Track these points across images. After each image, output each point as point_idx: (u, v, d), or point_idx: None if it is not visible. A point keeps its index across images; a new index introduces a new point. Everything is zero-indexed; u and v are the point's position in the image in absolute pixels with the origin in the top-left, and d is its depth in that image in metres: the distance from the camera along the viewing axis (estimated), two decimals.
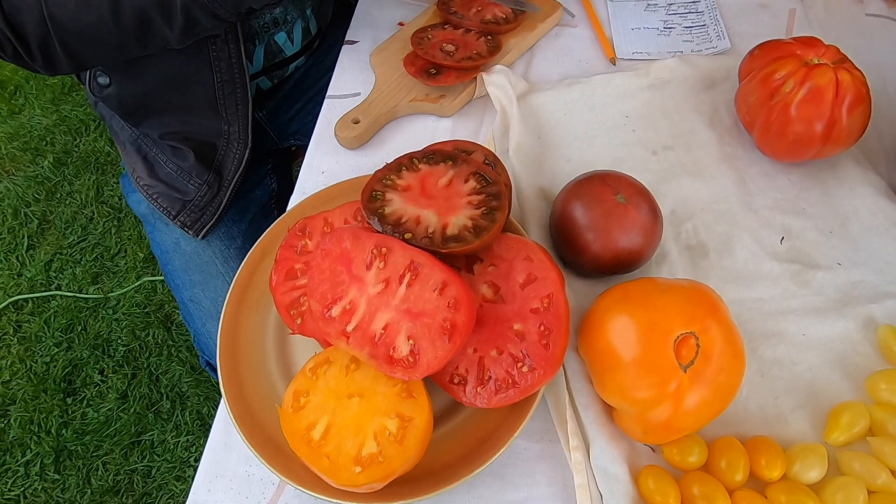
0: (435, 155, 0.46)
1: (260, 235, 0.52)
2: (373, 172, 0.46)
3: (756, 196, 0.56)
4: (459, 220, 0.42)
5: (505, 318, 0.42)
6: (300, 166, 0.62)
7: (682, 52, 0.66)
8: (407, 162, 0.46)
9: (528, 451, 0.46)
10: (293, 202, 0.59)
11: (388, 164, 0.46)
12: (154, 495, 1.24)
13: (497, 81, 0.62)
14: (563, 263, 0.53)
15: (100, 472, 1.27)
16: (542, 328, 0.41)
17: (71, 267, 1.55)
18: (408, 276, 0.39)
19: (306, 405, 0.41)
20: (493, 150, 0.58)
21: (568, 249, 0.50)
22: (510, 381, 0.41)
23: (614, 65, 0.67)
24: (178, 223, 0.73)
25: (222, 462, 0.47)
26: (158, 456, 1.28)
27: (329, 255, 0.41)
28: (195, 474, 0.46)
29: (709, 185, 0.57)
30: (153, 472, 1.27)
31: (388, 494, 0.40)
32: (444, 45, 0.63)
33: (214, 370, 0.74)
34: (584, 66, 0.67)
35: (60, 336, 1.44)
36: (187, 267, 0.75)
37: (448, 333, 0.38)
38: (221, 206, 0.73)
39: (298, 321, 0.45)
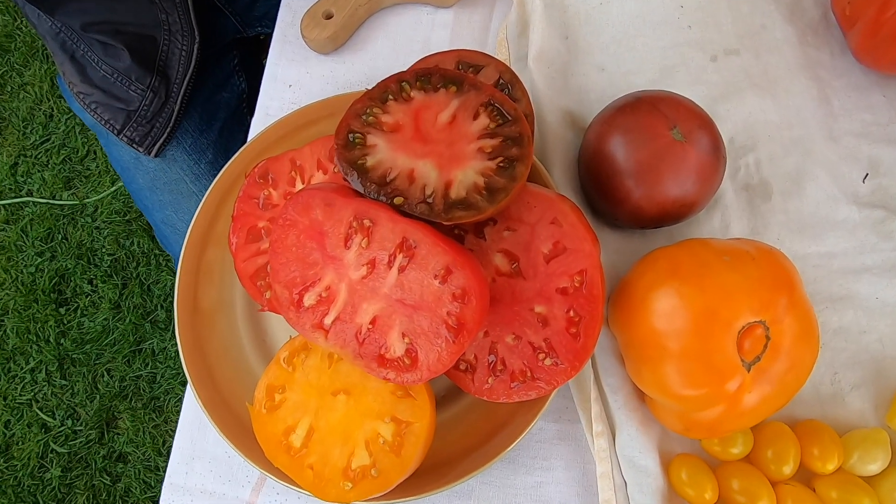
0: (432, 77, 0.34)
1: (232, 145, 0.41)
2: (354, 90, 0.34)
3: (840, 118, 0.44)
4: (467, 175, 0.31)
5: (524, 298, 0.34)
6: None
7: None
8: (395, 88, 0.34)
9: (544, 432, 0.41)
10: (255, 127, 0.48)
11: (368, 92, 0.34)
12: (162, 399, 1.26)
13: None
14: (591, 211, 0.43)
15: (105, 379, 1.28)
16: (571, 314, 0.33)
17: (39, 170, 1.45)
18: (399, 257, 0.30)
19: (282, 404, 0.34)
20: (507, 60, 0.45)
21: (601, 197, 0.40)
22: (528, 375, 0.33)
23: None
24: (126, 139, 0.61)
25: (198, 442, 0.42)
26: (161, 363, 1.29)
27: (294, 228, 0.31)
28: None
29: (781, 104, 0.45)
30: (158, 377, 1.28)
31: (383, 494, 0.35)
32: None
33: None
34: None
35: (41, 245, 1.39)
36: (153, 186, 0.65)
37: (453, 331, 0.30)
38: (174, 116, 0.61)
39: (268, 295, 0.37)
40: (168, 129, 0.61)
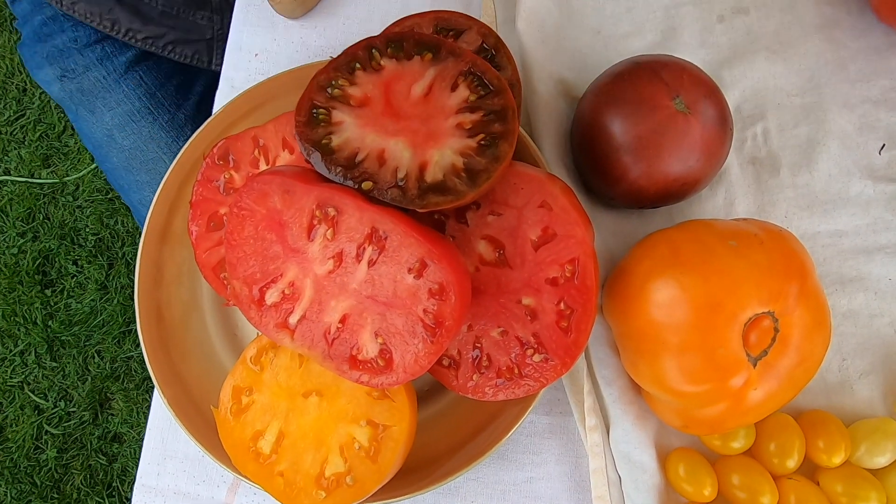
0: (405, 42, 0.30)
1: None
2: (326, 59, 0.30)
3: (857, 83, 0.40)
4: (445, 156, 0.28)
5: (511, 289, 0.31)
6: None
7: None
8: (363, 55, 0.30)
9: (535, 425, 0.38)
10: (219, 102, 0.44)
11: (333, 61, 0.30)
12: None
13: None
14: (585, 190, 0.39)
15: (96, 360, 1.27)
16: (561, 306, 0.30)
17: (15, 148, 1.40)
18: (369, 250, 0.27)
19: (250, 407, 0.31)
20: (493, 23, 0.41)
21: (596, 174, 0.36)
22: (515, 372, 0.31)
23: None
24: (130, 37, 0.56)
25: (170, 442, 0.40)
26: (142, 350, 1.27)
27: (251, 218, 0.27)
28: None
29: (792, 68, 0.41)
30: None
31: None
32: None
33: None
34: None
35: (22, 225, 1.35)
36: (129, 165, 0.60)
37: (431, 330, 0.27)
38: None
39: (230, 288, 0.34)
40: None
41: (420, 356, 0.27)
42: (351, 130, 0.28)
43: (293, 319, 0.28)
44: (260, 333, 0.33)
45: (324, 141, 0.28)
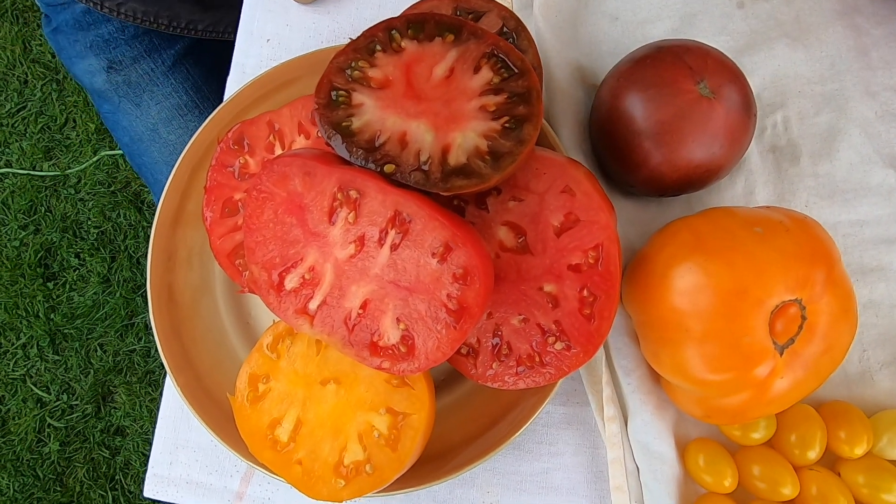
0: (426, 24, 0.29)
1: None
2: (339, 44, 0.30)
3: (878, 70, 0.40)
4: (468, 138, 0.27)
5: (532, 276, 0.30)
6: None
7: None
8: (383, 37, 0.29)
9: (551, 416, 0.38)
10: (231, 87, 0.43)
11: (353, 42, 0.29)
12: (157, 373, 1.25)
13: None
14: (603, 177, 0.39)
15: (98, 353, 1.26)
16: (584, 293, 0.29)
17: (17, 140, 1.39)
18: (392, 233, 0.26)
19: (267, 394, 0.31)
20: (510, 5, 0.40)
21: (615, 161, 0.36)
22: (536, 360, 0.30)
23: None
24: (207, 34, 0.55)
25: (182, 431, 0.39)
26: (154, 337, 1.27)
27: (271, 201, 0.27)
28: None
29: (813, 55, 0.40)
30: (152, 351, 1.26)
31: None
32: None
33: None
34: None
35: (24, 218, 1.35)
36: (171, 160, 0.58)
37: (454, 315, 0.26)
38: None
39: (247, 274, 0.33)
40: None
41: (443, 342, 0.27)
42: (371, 113, 0.28)
43: (313, 305, 0.28)
44: (276, 321, 0.32)
45: (344, 123, 0.27)
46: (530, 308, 0.30)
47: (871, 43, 0.40)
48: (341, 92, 0.28)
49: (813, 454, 0.33)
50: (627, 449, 0.35)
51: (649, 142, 0.33)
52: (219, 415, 0.35)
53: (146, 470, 0.39)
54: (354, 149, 0.27)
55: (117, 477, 1.21)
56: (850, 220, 0.38)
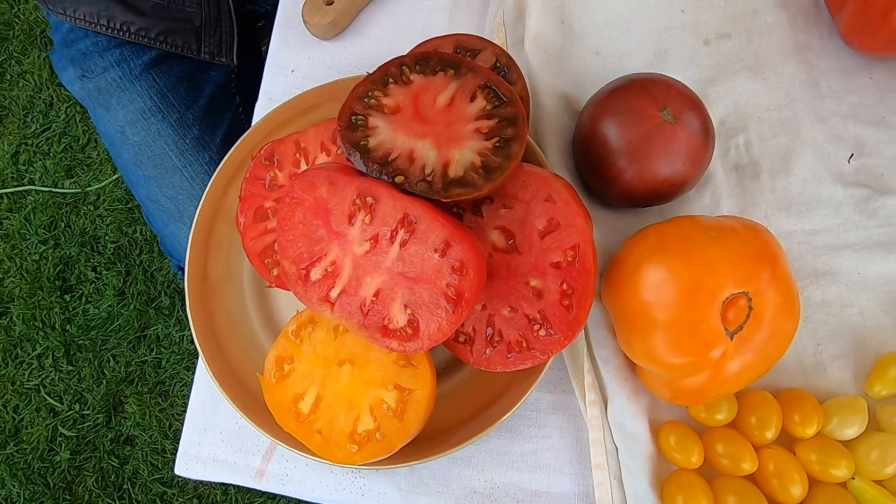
0: (431, 60, 0.35)
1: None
2: (355, 75, 0.36)
3: (827, 99, 0.45)
4: (465, 155, 0.33)
5: (520, 272, 0.35)
6: (268, 45, 0.50)
7: None
8: (395, 71, 0.35)
9: (540, 402, 0.42)
10: (259, 111, 0.49)
11: (370, 75, 0.35)
12: (167, 384, 1.29)
13: None
14: (586, 191, 0.44)
15: (111, 364, 1.30)
16: (564, 287, 0.34)
17: (41, 159, 1.46)
18: (401, 232, 0.31)
19: (291, 373, 0.36)
20: (504, 44, 0.46)
21: (594, 177, 0.41)
22: (524, 345, 0.35)
23: None
24: (206, 56, 0.61)
25: (209, 415, 0.44)
26: (166, 348, 1.31)
27: (300, 206, 0.32)
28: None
29: (770, 86, 0.46)
30: (163, 362, 1.30)
31: (387, 458, 0.37)
32: None
33: None
34: None
35: (45, 233, 1.40)
36: (138, 160, 0.64)
37: (453, 301, 0.31)
38: (232, 15, 0.62)
39: (275, 272, 0.39)
40: (234, 31, 0.62)
41: (443, 325, 0.32)
42: (385, 134, 0.33)
43: (334, 293, 0.33)
44: (298, 311, 0.37)
45: (362, 142, 0.33)
46: (518, 300, 0.35)
47: (821, 75, 0.46)
48: (360, 116, 0.34)
49: (770, 434, 0.38)
50: (607, 431, 0.40)
51: (623, 160, 0.38)
52: (245, 398, 0.40)
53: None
54: (370, 163, 0.32)
55: (125, 486, 1.24)
56: (804, 230, 0.43)
